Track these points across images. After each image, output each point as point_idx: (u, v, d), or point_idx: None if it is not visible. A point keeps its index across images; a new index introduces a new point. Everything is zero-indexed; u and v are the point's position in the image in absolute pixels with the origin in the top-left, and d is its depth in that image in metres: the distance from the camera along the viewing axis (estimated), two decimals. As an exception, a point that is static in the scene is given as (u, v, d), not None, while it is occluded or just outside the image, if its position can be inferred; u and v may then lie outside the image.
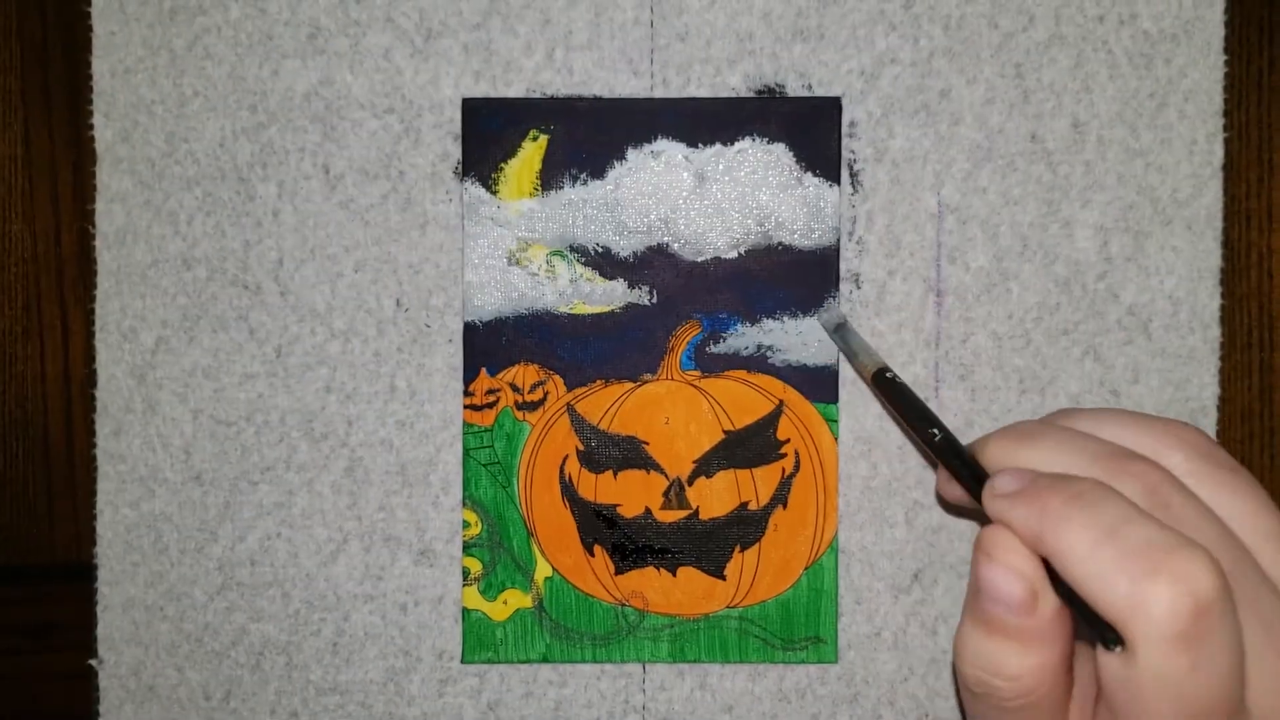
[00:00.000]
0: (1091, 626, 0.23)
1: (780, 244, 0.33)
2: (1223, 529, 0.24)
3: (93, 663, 0.34)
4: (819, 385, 0.33)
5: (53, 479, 0.34)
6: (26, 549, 0.34)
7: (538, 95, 0.33)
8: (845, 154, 0.33)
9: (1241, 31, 0.34)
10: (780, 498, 0.33)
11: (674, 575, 0.33)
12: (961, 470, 0.26)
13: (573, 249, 0.33)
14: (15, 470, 0.34)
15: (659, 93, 0.33)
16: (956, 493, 0.27)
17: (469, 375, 0.33)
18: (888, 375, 0.30)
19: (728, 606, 0.33)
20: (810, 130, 0.33)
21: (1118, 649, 0.22)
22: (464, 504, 0.33)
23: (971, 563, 0.24)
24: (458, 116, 0.33)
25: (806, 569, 0.33)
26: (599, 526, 0.33)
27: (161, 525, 0.33)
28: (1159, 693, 0.22)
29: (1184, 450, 0.25)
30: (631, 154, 0.33)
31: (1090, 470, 0.24)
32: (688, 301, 0.33)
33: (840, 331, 0.32)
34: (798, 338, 0.33)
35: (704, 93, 0.33)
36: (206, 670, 0.34)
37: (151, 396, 0.33)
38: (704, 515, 0.33)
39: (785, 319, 0.33)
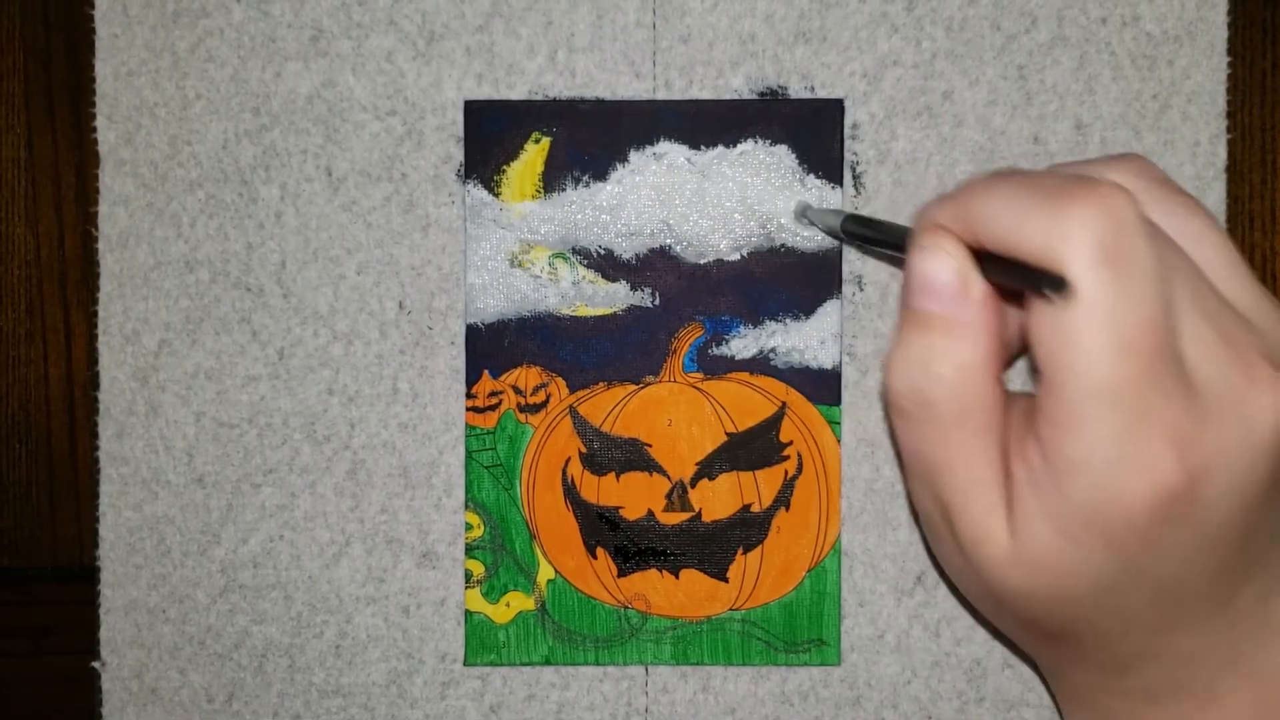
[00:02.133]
0: (1026, 283, 0.23)
1: (783, 246, 0.33)
2: (1167, 240, 0.24)
3: (95, 665, 0.34)
4: (821, 387, 0.33)
5: (55, 481, 0.34)
6: (29, 551, 0.34)
7: (540, 97, 0.33)
8: (848, 156, 0.33)
9: (1245, 33, 0.33)
10: (783, 500, 0.33)
11: (676, 577, 0.33)
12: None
13: (575, 251, 0.33)
14: (18, 473, 0.34)
15: (661, 95, 0.33)
16: None
17: (471, 377, 0.33)
18: (853, 216, 0.30)
19: (730, 609, 0.33)
20: (813, 132, 0.33)
21: (1057, 292, 0.22)
22: (466, 506, 0.33)
23: (905, 268, 0.25)
24: (460, 119, 0.33)
25: (809, 571, 0.33)
26: (601, 529, 0.33)
27: (164, 528, 0.33)
28: (1092, 324, 0.22)
29: (1133, 175, 0.25)
30: (634, 156, 0.33)
31: (1054, 187, 0.24)
32: (690, 304, 0.33)
33: (809, 215, 0.32)
34: (800, 340, 0.33)
35: (706, 95, 0.33)
36: (209, 672, 0.34)
37: (154, 399, 0.33)
38: (706, 517, 0.33)
39: (788, 321, 0.33)
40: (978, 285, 0.24)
